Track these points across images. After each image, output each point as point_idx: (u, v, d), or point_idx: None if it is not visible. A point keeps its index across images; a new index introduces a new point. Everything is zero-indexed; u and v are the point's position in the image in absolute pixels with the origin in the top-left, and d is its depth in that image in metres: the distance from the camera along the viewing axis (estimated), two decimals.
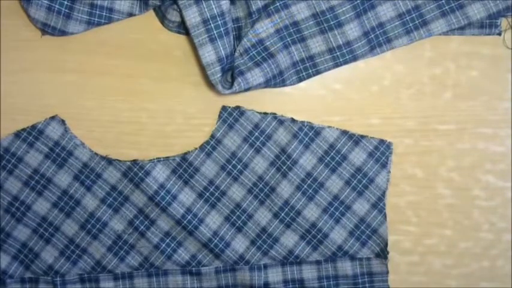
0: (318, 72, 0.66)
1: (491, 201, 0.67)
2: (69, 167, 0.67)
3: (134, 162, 0.67)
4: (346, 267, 0.66)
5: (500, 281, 0.68)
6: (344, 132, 0.66)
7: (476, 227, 0.67)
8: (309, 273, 0.67)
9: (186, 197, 0.67)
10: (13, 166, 0.66)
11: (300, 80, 0.66)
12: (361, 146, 0.66)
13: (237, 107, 0.66)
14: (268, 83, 0.64)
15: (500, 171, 0.67)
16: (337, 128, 0.66)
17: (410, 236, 0.67)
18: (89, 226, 0.67)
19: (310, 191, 0.66)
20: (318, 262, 0.67)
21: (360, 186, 0.66)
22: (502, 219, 0.67)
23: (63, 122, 0.67)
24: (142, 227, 0.67)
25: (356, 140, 0.66)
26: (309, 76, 0.66)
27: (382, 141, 0.66)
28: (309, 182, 0.66)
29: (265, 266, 0.67)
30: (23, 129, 0.67)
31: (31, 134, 0.67)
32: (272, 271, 0.67)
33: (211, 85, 0.64)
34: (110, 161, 0.67)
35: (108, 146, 0.67)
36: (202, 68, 0.64)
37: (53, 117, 0.67)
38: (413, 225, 0.67)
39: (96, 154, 0.67)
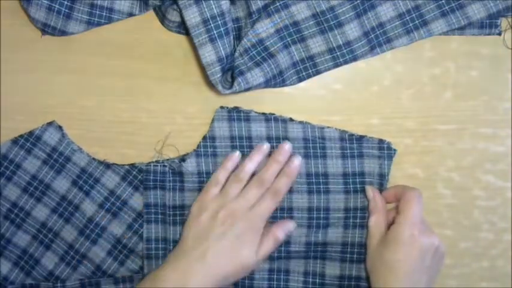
0: (318, 72, 0.66)
1: (491, 201, 0.67)
2: (67, 172, 0.66)
3: (132, 165, 0.66)
4: None
5: (500, 281, 0.68)
6: (344, 132, 0.66)
7: (476, 227, 0.67)
8: None
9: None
10: (11, 173, 0.66)
11: (300, 80, 0.66)
12: None
13: (235, 108, 0.66)
14: (268, 83, 0.64)
15: (500, 171, 0.67)
16: (336, 128, 0.66)
17: None
18: (88, 231, 0.66)
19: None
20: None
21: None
22: (502, 219, 0.67)
23: (60, 127, 0.67)
24: (141, 231, 0.66)
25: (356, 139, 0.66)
26: (309, 76, 0.66)
27: (381, 141, 0.65)
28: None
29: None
30: (21, 136, 0.66)
31: (28, 140, 0.66)
32: None
33: (211, 85, 0.64)
34: (108, 165, 0.66)
35: (107, 146, 0.67)
36: (202, 68, 0.63)
37: (50, 123, 0.66)
38: None
39: (94, 159, 0.66)
